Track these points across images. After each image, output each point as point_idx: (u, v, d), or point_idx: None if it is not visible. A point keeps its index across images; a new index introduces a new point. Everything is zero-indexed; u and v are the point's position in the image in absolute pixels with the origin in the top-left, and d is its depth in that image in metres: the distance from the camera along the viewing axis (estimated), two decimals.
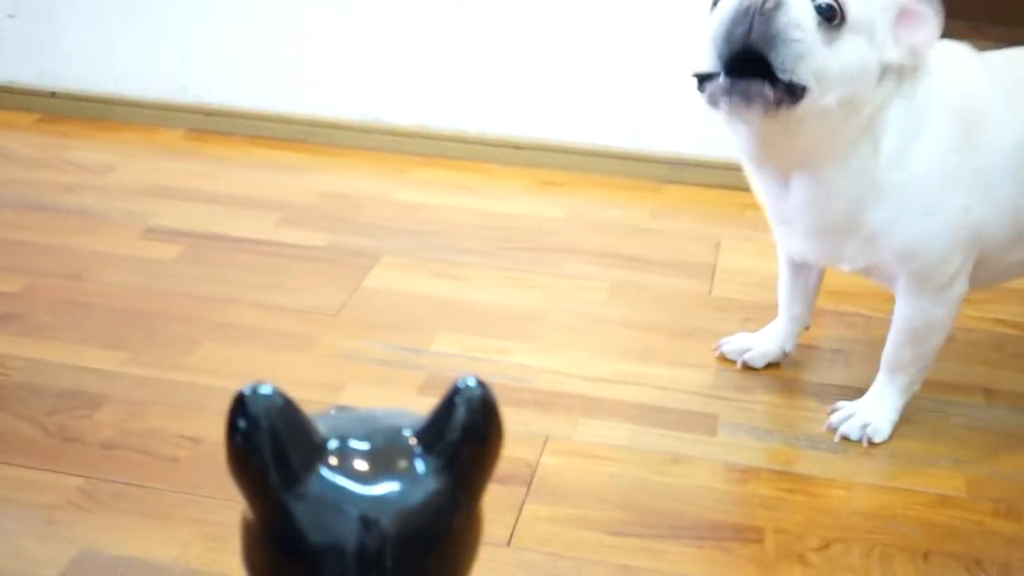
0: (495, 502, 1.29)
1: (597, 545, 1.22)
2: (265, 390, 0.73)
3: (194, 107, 2.30)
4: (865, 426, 1.41)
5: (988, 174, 1.30)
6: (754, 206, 1.45)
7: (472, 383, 0.77)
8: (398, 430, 0.78)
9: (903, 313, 1.38)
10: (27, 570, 1.15)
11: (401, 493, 0.75)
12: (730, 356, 1.56)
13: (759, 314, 1.65)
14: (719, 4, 1.19)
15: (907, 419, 1.44)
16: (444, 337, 1.60)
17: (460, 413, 0.76)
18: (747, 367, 1.54)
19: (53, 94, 2.35)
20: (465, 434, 0.76)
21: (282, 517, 0.74)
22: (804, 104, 1.18)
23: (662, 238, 1.93)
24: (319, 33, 2.21)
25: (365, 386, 1.48)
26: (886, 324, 1.64)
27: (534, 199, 2.04)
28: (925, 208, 1.28)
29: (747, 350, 1.55)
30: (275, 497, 0.74)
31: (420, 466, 0.76)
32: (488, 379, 1.47)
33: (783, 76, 1.16)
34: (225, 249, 1.83)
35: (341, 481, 0.74)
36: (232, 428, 0.73)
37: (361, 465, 0.75)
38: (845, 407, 1.44)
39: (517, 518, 1.26)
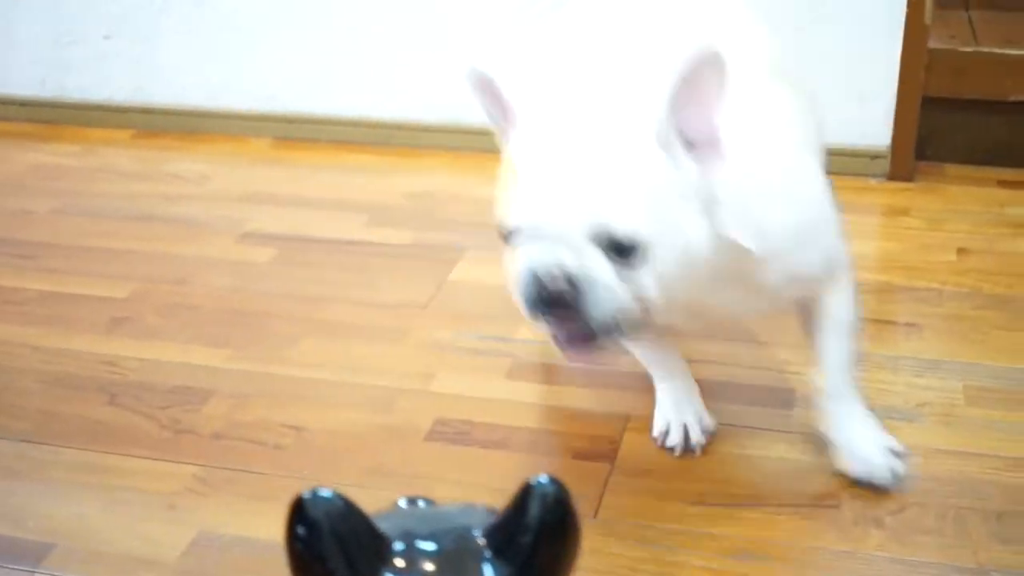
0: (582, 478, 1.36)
1: (682, 515, 1.29)
2: (325, 493, 0.69)
3: (279, 116, 2.40)
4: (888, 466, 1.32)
5: None
6: None
7: (544, 480, 0.70)
8: (467, 531, 0.72)
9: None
10: (154, 551, 1.24)
11: None
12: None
13: None
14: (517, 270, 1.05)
15: (984, 390, 1.48)
16: (528, 327, 1.66)
17: (533, 512, 0.69)
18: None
19: (148, 110, 2.47)
20: (539, 536, 0.69)
21: None
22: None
23: None
24: (402, 40, 2.29)
25: (456, 374, 1.56)
26: (957, 296, 1.68)
27: None
28: None
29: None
30: None
31: (490, 572, 0.70)
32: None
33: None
34: (317, 250, 1.93)
35: None
36: (292, 534, 0.69)
37: (427, 570, 0.70)
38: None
39: (603, 490, 1.33)
